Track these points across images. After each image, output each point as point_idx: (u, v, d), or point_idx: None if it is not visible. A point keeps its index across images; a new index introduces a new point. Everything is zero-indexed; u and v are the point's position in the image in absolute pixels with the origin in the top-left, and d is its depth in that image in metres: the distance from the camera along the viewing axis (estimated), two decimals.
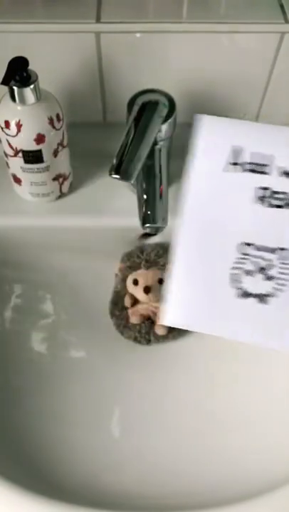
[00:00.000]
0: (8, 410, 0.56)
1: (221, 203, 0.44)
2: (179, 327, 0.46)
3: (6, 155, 0.56)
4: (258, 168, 0.43)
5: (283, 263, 0.44)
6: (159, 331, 0.60)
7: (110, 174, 0.49)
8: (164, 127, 0.54)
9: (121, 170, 0.49)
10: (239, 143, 0.44)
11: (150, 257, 0.60)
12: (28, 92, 0.50)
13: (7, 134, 0.53)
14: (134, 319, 0.60)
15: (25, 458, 0.53)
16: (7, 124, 0.53)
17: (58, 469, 0.53)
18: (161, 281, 0.60)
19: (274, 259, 0.44)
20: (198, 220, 0.45)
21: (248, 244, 0.44)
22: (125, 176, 0.49)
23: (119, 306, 0.62)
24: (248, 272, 0.44)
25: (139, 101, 0.54)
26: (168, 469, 0.54)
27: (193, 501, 0.50)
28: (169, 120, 0.54)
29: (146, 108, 0.53)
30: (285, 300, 0.44)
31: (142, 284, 0.60)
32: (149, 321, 0.61)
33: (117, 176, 0.49)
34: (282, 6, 0.57)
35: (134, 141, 0.51)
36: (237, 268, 0.44)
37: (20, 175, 0.58)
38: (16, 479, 0.48)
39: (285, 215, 0.43)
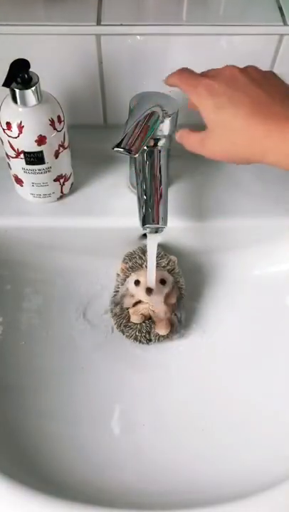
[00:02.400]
0: (9, 409, 0.56)
1: None
2: None
3: (8, 156, 0.57)
4: None
5: None
6: (160, 331, 0.61)
7: (114, 148, 0.49)
8: (166, 123, 0.54)
9: (125, 144, 0.49)
10: None
11: None
12: (30, 93, 0.51)
13: (9, 136, 0.54)
14: (134, 319, 0.61)
15: (26, 456, 0.53)
16: (9, 125, 0.53)
17: (58, 467, 0.53)
18: (162, 282, 0.60)
19: None
20: None
21: None
22: (128, 150, 0.49)
23: (120, 305, 0.62)
24: None
25: (140, 102, 0.55)
26: (168, 467, 0.54)
27: (193, 498, 0.50)
28: (172, 116, 0.54)
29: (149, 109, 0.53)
30: None
31: (143, 284, 0.60)
32: (150, 320, 0.61)
33: (121, 150, 0.49)
34: (280, 9, 0.58)
35: (139, 123, 0.51)
36: None
37: (21, 176, 0.58)
38: (17, 477, 0.48)
39: None
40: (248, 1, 0.59)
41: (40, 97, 0.52)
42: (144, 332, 0.61)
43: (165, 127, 0.54)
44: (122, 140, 0.49)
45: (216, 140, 0.46)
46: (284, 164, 0.43)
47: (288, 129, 0.42)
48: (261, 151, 0.43)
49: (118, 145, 0.49)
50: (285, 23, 0.56)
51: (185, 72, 0.49)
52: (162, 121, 0.53)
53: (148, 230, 0.55)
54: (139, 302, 0.61)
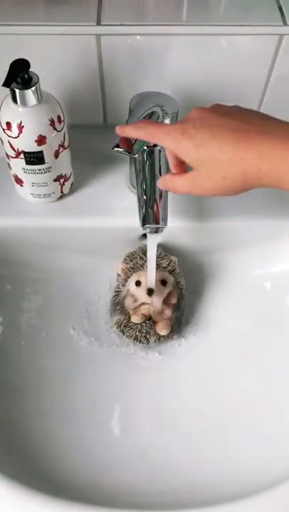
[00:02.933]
0: (9, 408, 0.56)
1: None
2: None
3: (8, 156, 0.57)
4: None
5: None
6: (161, 331, 0.61)
7: (113, 148, 0.49)
8: (166, 123, 0.54)
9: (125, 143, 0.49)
10: None
11: None
12: (30, 93, 0.51)
13: (9, 136, 0.54)
14: (135, 319, 0.61)
15: (26, 456, 0.53)
16: (9, 125, 0.53)
17: (58, 467, 0.53)
18: (163, 283, 0.60)
19: None
20: None
21: None
22: (128, 150, 0.49)
23: (120, 305, 0.62)
24: None
25: (140, 102, 0.55)
26: (169, 467, 0.54)
27: (193, 498, 0.50)
28: (172, 116, 0.54)
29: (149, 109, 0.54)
30: None
31: (144, 285, 0.60)
32: (150, 320, 0.61)
33: (121, 149, 0.49)
34: (280, 9, 0.58)
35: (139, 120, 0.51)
36: None
37: (21, 176, 0.58)
38: (17, 477, 0.48)
39: None
40: (248, 1, 0.59)
41: (40, 97, 0.52)
42: (145, 332, 0.61)
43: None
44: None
45: (204, 178, 0.44)
46: (285, 183, 0.41)
47: (285, 148, 0.40)
48: (256, 177, 0.42)
49: (118, 145, 0.49)
50: (285, 23, 0.56)
51: (149, 123, 0.48)
52: (162, 121, 0.53)
53: (148, 230, 0.55)
54: (139, 302, 0.61)
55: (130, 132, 0.48)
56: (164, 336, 0.61)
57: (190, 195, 0.47)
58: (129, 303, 0.61)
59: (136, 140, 0.49)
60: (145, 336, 0.61)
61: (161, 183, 0.50)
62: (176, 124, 0.45)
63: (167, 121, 0.54)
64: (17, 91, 0.50)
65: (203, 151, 0.43)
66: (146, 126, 0.47)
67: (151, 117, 0.53)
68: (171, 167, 0.51)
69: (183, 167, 0.50)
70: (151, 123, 0.48)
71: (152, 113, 0.53)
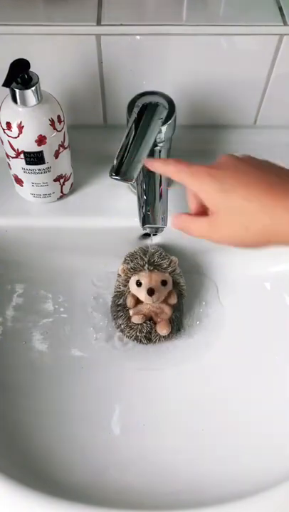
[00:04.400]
0: (9, 409, 0.56)
1: None
2: None
3: (8, 156, 0.57)
4: None
5: None
6: (161, 331, 0.61)
7: (111, 175, 0.50)
8: (164, 129, 0.55)
9: (121, 171, 0.49)
10: None
11: (153, 258, 0.60)
12: (30, 93, 0.51)
13: (9, 136, 0.54)
14: (135, 319, 0.61)
15: (26, 456, 0.53)
16: (9, 125, 0.53)
17: (59, 467, 0.53)
18: (164, 283, 0.60)
19: None
20: None
21: None
22: (125, 177, 0.49)
23: (120, 305, 0.62)
24: None
25: (139, 103, 0.55)
26: (170, 467, 0.54)
27: (193, 499, 0.50)
28: (169, 121, 0.54)
29: (147, 110, 0.54)
30: None
31: (145, 286, 0.60)
32: (151, 321, 0.61)
33: (118, 177, 0.49)
34: (280, 9, 0.58)
35: (135, 142, 0.51)
36: None
37: (21, 176, 0.58)
38: (17, 477, 0.48)
39: None
40: (248, 1, 0.59)
41: (40, 97, 0.52)
42: (145, 332, 0.61)
43: (164, 130, 0.55)
44: (120, 167, 0.49)
45: (222, 224, 0.43)
46: None
47: None
48: (284, 230, 0.40)
49: (116, 173, 0.49)
50: (285, 23, 0.56)
51: (178, 161, 0.46)
52: (162, 121, 0.54)
53: (148, 230, 0.55)
54: (140, 303, 0.61)
55: (158, 167, 0.48)
56: (164, 336, 0.61)
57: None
58: (129, 303, 0.61)
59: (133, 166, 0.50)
60: (145, 336, 0.61)
61: (177, 222, 0.48)
62: (204, 167, 0.44)
63: (165, 126, 0.54)
64: (17, 91, 0.50)
65: (228, 196, 0.42)
66: (175, 163, 0.46)
67: (151, 118, 0.53)
68: (190, 210, 0.49)
69: (203, 212, 0.47)
70: (180, 162, 0.46)
71: (153, 113, 0.53)
